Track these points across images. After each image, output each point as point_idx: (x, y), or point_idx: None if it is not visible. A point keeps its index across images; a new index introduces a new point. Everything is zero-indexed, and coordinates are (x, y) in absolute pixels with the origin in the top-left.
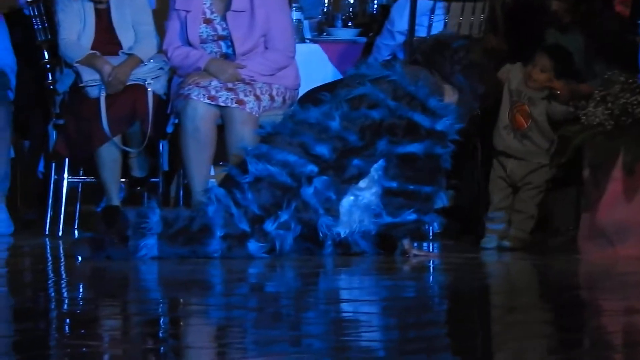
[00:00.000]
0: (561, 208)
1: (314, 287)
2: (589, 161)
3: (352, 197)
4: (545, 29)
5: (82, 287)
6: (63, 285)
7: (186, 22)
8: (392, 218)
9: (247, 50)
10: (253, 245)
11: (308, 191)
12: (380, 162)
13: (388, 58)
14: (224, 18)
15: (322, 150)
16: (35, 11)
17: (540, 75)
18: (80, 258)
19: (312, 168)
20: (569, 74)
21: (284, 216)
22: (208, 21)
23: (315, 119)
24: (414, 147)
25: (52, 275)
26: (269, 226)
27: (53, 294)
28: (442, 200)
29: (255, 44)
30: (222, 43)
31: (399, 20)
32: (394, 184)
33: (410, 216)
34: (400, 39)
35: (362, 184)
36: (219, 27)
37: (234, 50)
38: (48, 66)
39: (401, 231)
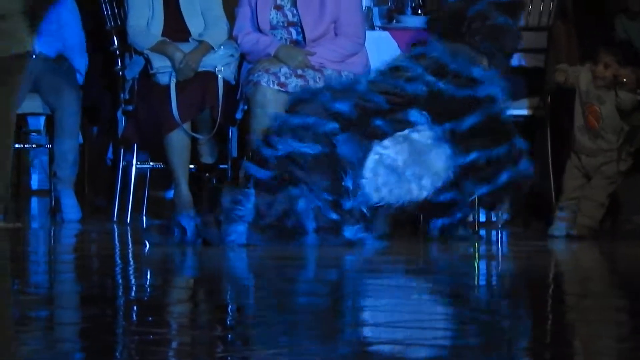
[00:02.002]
0: (630, 196)
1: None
2: None
3: (376, 156)
4: (614, 16)
5: (150, 273)
6: (131, 272)
7: (256, 8)
8: (489, 185)
9: (317, 36)
10: (349, 232)
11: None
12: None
13: None
14: (294, 4)
15: (342, 107)
16: None
17: (606, 71)
18: (148, 245)
19: (332, 126)
20: (633, 62)
21: (349, 187)
22: (278, 7)
23: (341, 84)
24: (471, 119)
25: (119, 261)
26: (349, 205)
27: (120, 280)
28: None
29: (325, 30)
30: (292, 29)
31: None
32: (472, 156)
33: (504, 177)
34: None
35: (387, 142)
36: (289, 14)
37: (304, 37)
38: (117, 52)
39: (499, 196)
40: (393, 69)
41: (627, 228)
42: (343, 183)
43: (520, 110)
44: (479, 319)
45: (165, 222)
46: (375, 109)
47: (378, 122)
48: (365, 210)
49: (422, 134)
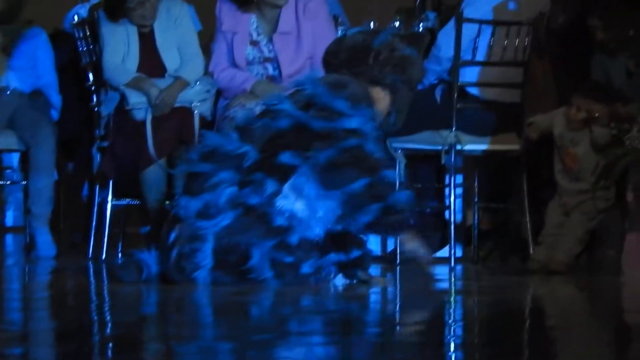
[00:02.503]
0: (605, 230)
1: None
2: (634, 184)
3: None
4: (591, 53)
5: (125, 310)
6: (106, 308)
7: (232, 44)
8: (365, 216)
9: (294, 72)
10: (306, 267)
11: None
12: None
13: (435, 83)
14: (270, 40)
15: (225, 175)
16: (81, 33)
17: (579, 114)
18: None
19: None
20: (608, 101)
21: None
22: (254, 43)
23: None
24: (329, 152)
25: (95, 297)
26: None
27: (96, 317)
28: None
29: (301, 66)
30: (268, 65)
31: (446, 46)
32: (336, 193)
33: (375, 207)
34: (447, 64)
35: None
36: (265, 49)
37: (280, 73)
38: (93, 88)
39: (381, 228)
40: (264, 112)
41: (601, 263)
42: (276, 224)
43: (495, 145)
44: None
45: (128, 259)
46: (250, 165)
47: (257, 175)
48: (313, 238)
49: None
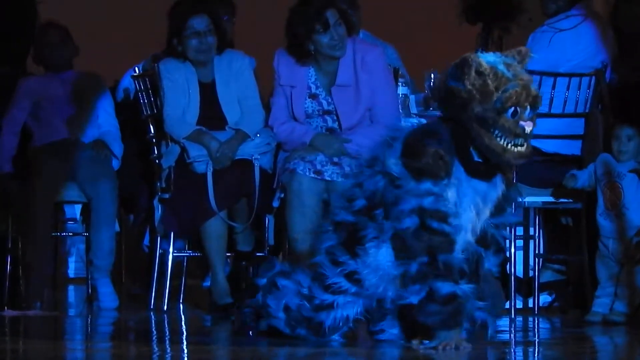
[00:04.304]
0: None
1: None
2: None
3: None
4: None
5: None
6: (166, 357)
7: (291, 97)
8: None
9: (353, 124)
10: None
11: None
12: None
13: None
14: (329, 93)
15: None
16: (141, 85)
17: (628, 144)
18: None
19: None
20: None
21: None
22: (313, 96)
23: None
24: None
25: (156, 349)
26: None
27: None
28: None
29: (360, 118)
30: (328, 118)
31: None
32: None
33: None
34: None
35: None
36: (324, 102)
37: (339, 124)
38: (153, 140)
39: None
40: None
41: None
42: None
43: (556, 198)
44: None
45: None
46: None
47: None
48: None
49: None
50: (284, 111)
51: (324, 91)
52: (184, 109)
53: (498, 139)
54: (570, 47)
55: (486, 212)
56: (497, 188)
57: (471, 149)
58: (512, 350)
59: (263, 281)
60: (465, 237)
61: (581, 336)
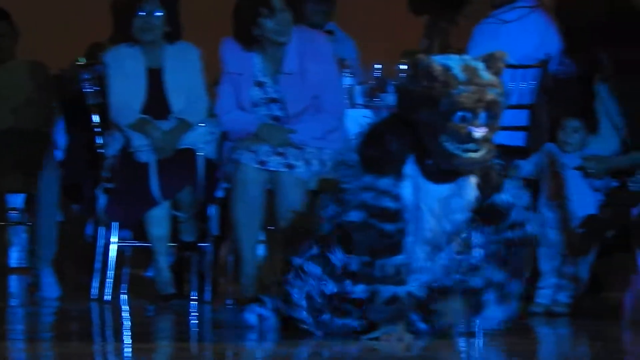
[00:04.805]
0: (611, 273)
1: None
2: (637, 227)
3: None
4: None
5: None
6: (109, 349)
7: (238, 85)
8: None
9: (298, 111)
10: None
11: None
12: None
13: None
14: (275, 81)
15: None
16: (88, 75)
17: (574, 136)
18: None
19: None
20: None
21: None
22: (259, 84)
23: None
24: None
25: (98, 339)
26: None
27: (99, 357)
28: None
29: (306, 105)
30: (273, 106)
31: None
32: None
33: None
34: None
35: None
36: (270, 90)
37: (285, 112)
38: (98, 130)
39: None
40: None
41: (606, 305)
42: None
43: None
44: None
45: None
46: None
47: None
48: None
49: None
50: (230, 100)
51: (270, 79)
52: (130, 95)
53: (446, 143)
54: (516, 39)
55: (455, 220)
56: (465, 194)
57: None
58: (456, 341)
59: (299, 261)
60: (423, 245)
61: (524, 327)
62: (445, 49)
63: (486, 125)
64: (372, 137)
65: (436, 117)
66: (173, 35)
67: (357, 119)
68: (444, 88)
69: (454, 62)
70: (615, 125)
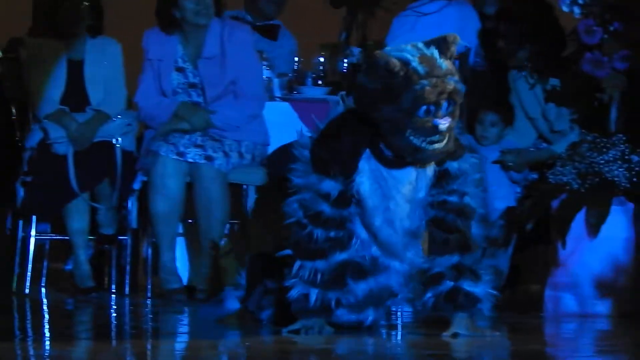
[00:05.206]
0: (530, 266)
1: None
2: (557, 219)
3: None
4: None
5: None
6: (29, 343)
7: (158, 71)
8: None
9: (217, 95)
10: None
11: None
12: None
13: None
14: (195, 65)
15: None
16: (6, 67)
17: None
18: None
19: None
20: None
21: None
22: (180, 69)
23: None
24: None
25: (18, 332)
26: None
27: (19, 351)
28: None
29: (224, 89)
30: (192, 91)
31: None
32: None
33: None
34: None
35: None
36: (190, 75)
37: (204, 98)
38: (17, 122)
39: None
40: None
41: (525, 297)
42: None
43: None
44: None
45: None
46: None
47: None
48: None
49: None
50: (150, 87)
51: (190, 64)
52: (50, 85)
53: (411, 137)
54: (434, 31)
55: (418, 198)
56: (428, 170)
57: (381, 144)
58: (377, 334)
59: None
60: (388, 233)
61: (442, 320)
62: (363, 42)
63: (448, 114)
64: (325, 137)
65: (399, 114)
66: (95, 29)
67: (276, 112)
68: (405, 84)
69: (411, 55)
70: (530, 118)
